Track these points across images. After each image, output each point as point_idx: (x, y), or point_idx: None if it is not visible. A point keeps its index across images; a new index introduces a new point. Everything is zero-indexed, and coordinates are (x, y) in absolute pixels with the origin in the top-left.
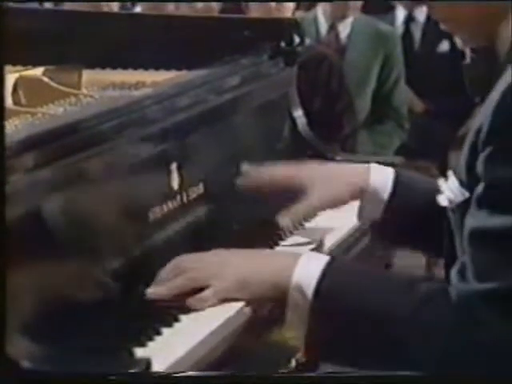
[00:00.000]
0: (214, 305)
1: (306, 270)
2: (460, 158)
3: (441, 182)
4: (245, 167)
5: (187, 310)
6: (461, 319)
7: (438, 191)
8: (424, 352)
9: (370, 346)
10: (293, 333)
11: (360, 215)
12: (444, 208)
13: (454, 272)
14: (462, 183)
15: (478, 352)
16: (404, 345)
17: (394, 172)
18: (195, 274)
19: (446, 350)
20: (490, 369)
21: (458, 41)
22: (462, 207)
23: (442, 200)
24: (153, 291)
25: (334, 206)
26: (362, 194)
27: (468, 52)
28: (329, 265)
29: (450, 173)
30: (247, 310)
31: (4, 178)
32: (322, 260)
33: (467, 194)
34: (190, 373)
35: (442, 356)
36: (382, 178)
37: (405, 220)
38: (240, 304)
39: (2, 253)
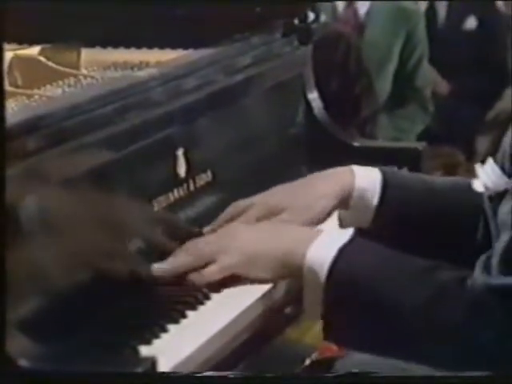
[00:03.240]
0: (217, 282)
1: (321, 249)
2: (503, 143)
3: (477, 166)
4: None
5: (194, 306)
6: (473, 314)
7: (432, 191)
8: (435, 344)
9: (383, 333)
10: (311, 312)
11: (344, 224)
12: (445, 206)
13: (480, 259)
14: (504, 171)
15: (487, 351)
16: (416, 335)
17: (382, 173)
18: (200, 249)
19: (457, 345)
20: (499, 368)
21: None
22: (501, 195)
23: (478, 186)
24: (157, 267)
25: (319, 219)
26: (347, 200)
27: None
28: (345, 246)
29: (489, 159)
30: (259, 305)
31: (4, 163)
32: (338, 239)
33: (511, 184)
34: (198, 373)
35: (452, 351)
36: (368, 181)
37: (399, 226)
38: (252, 299)
39: (2, 245)
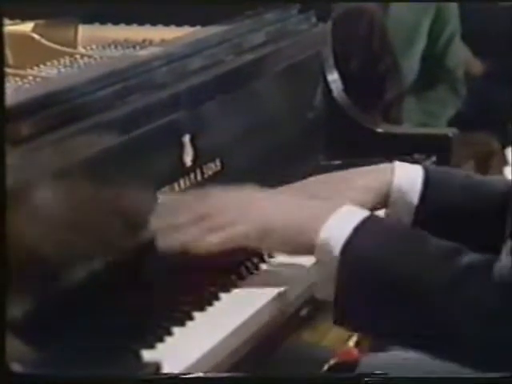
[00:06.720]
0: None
1: (338, 223)
2: None
3: (509, 151)
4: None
5: (202, 306)
6: (500, 299)
7: (476, 186)
8: (457, 328)
9: (400, 314)
10: (323, 294)
11: None
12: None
13: (507, 243)
14: None
15: None
16: (437, 317)
17: (424, 171)
18: (213, 219)
19: (484, 330)
20: None
21: None
22: None
23: (509, 172)
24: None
25: None
26: (385, 198)
27: None
28: (365, 221)
29: None
30: (272, 306)
31: (4, 149)
32: (358, 215)
33: None
34: (203, 374)
35: (480, 336)
36: (408, 178)
37: (440, 225)
38: (264, 300)
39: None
